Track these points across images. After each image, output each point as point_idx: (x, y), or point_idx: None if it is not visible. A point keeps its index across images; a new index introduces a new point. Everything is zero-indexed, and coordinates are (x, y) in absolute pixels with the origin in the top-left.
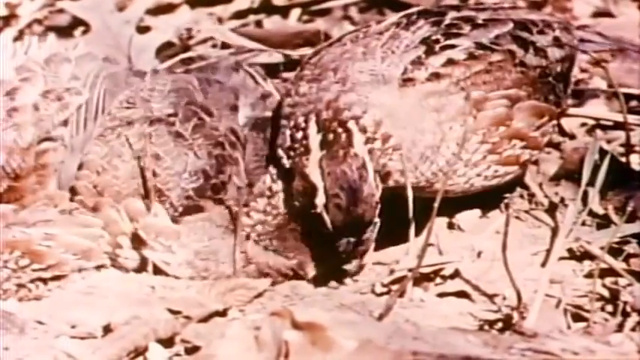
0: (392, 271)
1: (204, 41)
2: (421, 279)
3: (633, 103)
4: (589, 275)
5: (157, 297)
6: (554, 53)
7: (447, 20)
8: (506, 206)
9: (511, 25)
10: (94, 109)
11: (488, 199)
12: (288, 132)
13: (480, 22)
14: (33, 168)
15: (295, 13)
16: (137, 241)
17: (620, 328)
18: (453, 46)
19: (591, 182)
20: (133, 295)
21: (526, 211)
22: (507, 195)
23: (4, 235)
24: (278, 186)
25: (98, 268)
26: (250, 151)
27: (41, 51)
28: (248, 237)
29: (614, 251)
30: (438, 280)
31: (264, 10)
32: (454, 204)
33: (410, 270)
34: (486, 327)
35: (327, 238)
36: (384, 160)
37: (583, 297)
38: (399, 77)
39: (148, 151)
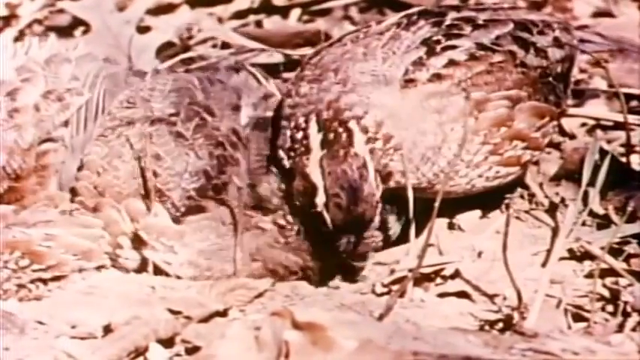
0: (392, 271)
1: (204, 41)
2: (422, 279)
3: (634, 103)
4: (589, 275)
5: (158, 297)
6: (555, 54)
7: (448, 21)
8: (507, 206)
9: (511, 25)
10: (94, 110)
11: (488, 199)
12: (288, 132)
13: (480, 22)
14: (33, 169)
15: (295, 13)
16: (138, 242)
17: (620, 328)
18: (454, 47)
19: (592, 182)
20: (134, 295)
21: (526, 212)
22: (508, 195)
23: (5, 236)
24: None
25: (98, 268)
26: (253, 151)
27: (41, 51)
28: (286, 241)
29: (615, 251)
30: (439, 280)
31: (264, 10)
32: (454, 204)
33: (410, 270)
34: (487, 327)
35: (327, 237)
36: (385, 160)
37: (583, 297)
38: (401, 78)
39: (149, 151)
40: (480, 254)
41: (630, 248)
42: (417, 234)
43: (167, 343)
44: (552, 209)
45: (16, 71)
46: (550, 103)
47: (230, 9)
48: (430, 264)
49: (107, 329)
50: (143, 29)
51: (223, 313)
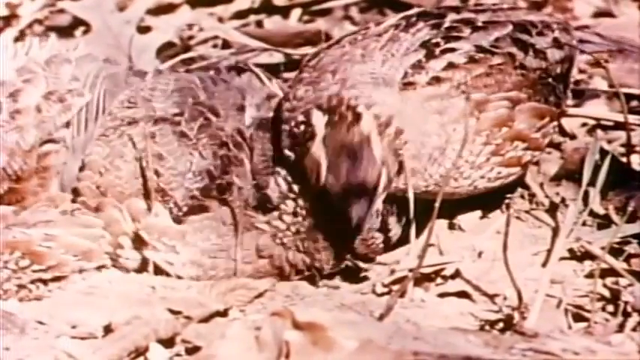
0: (393, 272)
1: (204, 41)
2: (422, 279)
3: (634, 103)
4: (590, 275)
5: (158, 297)
6: (554, 54)
7: (447, 23)
8: (507, 206)
9: (510, 27)
10: (94, 110)
11: (489, 199)
12: (289, 132)
13: (479, 24)
14: (35, 170)
15: (296, 13)
16: (138, 242)
17: (620, 328)
18: (453, 50)
19: (592, 182)
20: (134, 295)
21: (527, 212)
22: (508, 195)
23: (5, 236)
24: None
25: (99, 268)
26: (257, 152)
27: (42, 52)
28: (282, 242)
29: (615, 251)
30: (439, 280)
31: (264, 10)
32: (455, 205)
33: (411, 270)
34: (487, 327)
35: (338, 214)
36: (397, 147)
37: (584, 297)
38: (400, 81)
39: (150, 151)
40: (480, 254)
41: (630, 248)
42: (418, 234)
43: (167, 343)
44: (553, 209)
45: (17, 72)
46: (550, 103)
47: (230, 9)
48: (430, 264)
49: (107, 329)
50: (143, 29)
51: (224, 313)
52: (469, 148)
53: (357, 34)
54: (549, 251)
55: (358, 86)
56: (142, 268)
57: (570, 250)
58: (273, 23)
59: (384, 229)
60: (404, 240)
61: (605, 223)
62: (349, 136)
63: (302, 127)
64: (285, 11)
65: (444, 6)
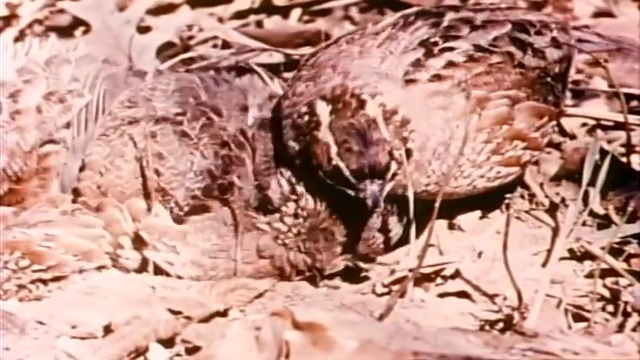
0: (393, 272)
1: (204, 41)
2: (422, 279)
3: (634, 103)
4: (590, 275)
5: (158, 297)
6: (553, 54)
7: (446, 22)
8: (507, 206)
9: (509, 26)
10: (94, 111)
11: (488, 199)
12: (292, 124)
13: (478, 23)
14: (35, 171)
15: (296, 13)
16: (139, 242)
17: (620, 328)
18: (451, 49)
19: (592, 182)
20: (134, 295)
21: (527, 212)
22: (508, 195)
23: (5, 236)
24: (301, 187)
25: (99, 268)
26: (259, 152)
27: (42, 52)
28: (283, 243)
29: (615, 251)
30: (439, 280)
31: (264, 10)
32: (454, 205)
33: (411, 270)
34: (487, 327)
35: (352, 196)
36: (404, 134)
37: (584, 297)
38: (401, 78)
39: (151, 150)
40: (480, 254)
41: (630, 248)
42: (418, 234)
43: (167, 343)
44: (553, 209)
45: (17, 72)
46: (549, 103)
47: (230, 9)
48: (430, 264)
49: (107, 329)
50: (143, 29)
51: (223, 313)
52: (471, 145)
53: (355, 33)
54: (549, 251)
55: (362, 77)
56: (142, 268)
57: (570, 250)
58: (273, 23)
59: (384, 229)
60: (404, 240)
61: (605, 223)
62: (355, 119)
63: (306, 118)
64: (285, 11)
65: (442, 5)
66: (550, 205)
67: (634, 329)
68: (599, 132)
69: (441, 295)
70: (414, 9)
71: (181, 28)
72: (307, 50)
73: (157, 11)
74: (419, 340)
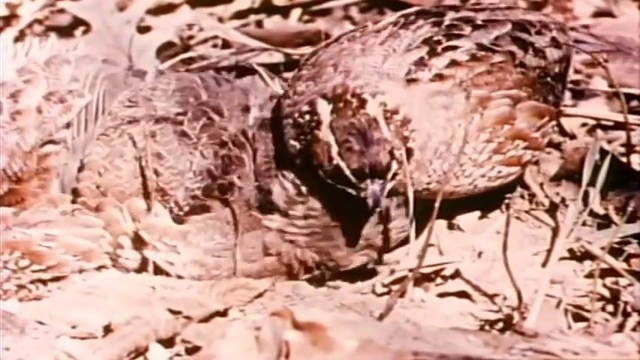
0: (392, 272)
1: (204, 41)
2: (422, 279)
3: (634, 103)
4: (590, 275)
5: (158, 297)
6: (553, 54)
7: (447, 21)
8: (507, 206)
9: (510, 26)
10: (94, 111)
11: (488, 199)
12: (292, 123)
13: (479, 22)
14: (35, 171)
15: (296, 13)
16: (138, 242)
17: (620, 328)
18: (454, 48)
19: (592, 182)
20: (134, 295)
21: (527, 212)
22: (508, 195)
23: (5, 236)
24: (306, 187)
25: (99, 268)
26: (261, 153)
27: (41, 52)
28: (291, 240)
29: (615, 251)
30: (439, 280)
31: (264, 10)
32: (454, 205)
33: (411, 270)
34: (487, 327)
35: (353, 195)
36: (405, 134)
37: (584, 297)
38: (404, 77)
39: (150, 150)
40: (480, 254)
41: (630, 248)
42: (418, 234)
43: (167, 343)
44: (553, 209)
45: (17, 72)
46: (549, 103)
47: (230, 9)
48: (430, 264)
49: (107, 329)
50: (143, 29)
51: (223, 313)
52: (473, 145)
53: (355, 31)
54: (549, 251)
55: (363, 76)
56: (142, 268)
57: (570, 250)
58: (273, 23)
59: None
60: (404, 240)
61: (605, 223)
62: (356, 119)
63: (307, 117)
64: (285, 11)
65: (442, 5)
66: (550, 205)
67: (634, 329)
68: (599, 132)
69: (441, 295)
70: (414, 8)
71: (181, 27)
72: (307, 50)
73: (157, 11)
74: (419, 340)
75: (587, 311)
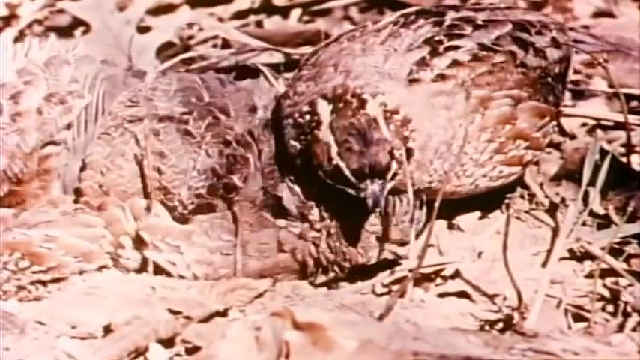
0: (392, 272)
1: (204, 41)
2: (422, 279)
3: (634, 103)
4: (589, 275)
5: (158, 297)
6: (553, 54)
7: (448, 21)
8: (507, 207)
9: (510, 26)
10: (94, 112)
11: (488, 199)
12: (293, 124)
13: (480, 22)
14: (36, 173)
15: (296, 13)
16: (139, 242)
17: (620, 328)
18: (456, 47)
19: (592, 182)
20: (134, 295)
21: (527, 212)
22: (508, 195)
23: (5, 237)
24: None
25: (100, 268)
26: (266, 154)
27: (41, 53)
28: (316, 245)
29: (615, 251)
30: (439, 280)
31: (264, 10)
32: (454, 205)
33: (410, 270)
34: (487, 327)
35: (353, 197)
36: (405, 135)
37: (584, 297)
38: (405, 77)
39: (151, 149)
40: (480, 254)
41: (630, 248)
42: (418, 234)
43: (167, 343)
44: (552, 209)
45: (17, 73)
46: (549, 103)
47: (230, 9)
48: (430, 264)
49: (107, 329)
50: (143, 29)
51: (223, 313)
52: (474, 145)
53: (355, 31)
54: (549, 251)
55: (364, 76)
56: (143, 268)
57: (570, 251)
58: (273, 23)
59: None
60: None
61: (604, 223)
62: (356, 119)
63: (307, 117)
64: (285, 11)
65: (442, 5)
66: (550, 205)
67: (634, 329)
68: (599, 132)
69: (441, 295)
70: (414, 8)
71: (181, 28)
72: (307, 50)
73: (157, 11)
74: (419, 340)
75: (587, 311)
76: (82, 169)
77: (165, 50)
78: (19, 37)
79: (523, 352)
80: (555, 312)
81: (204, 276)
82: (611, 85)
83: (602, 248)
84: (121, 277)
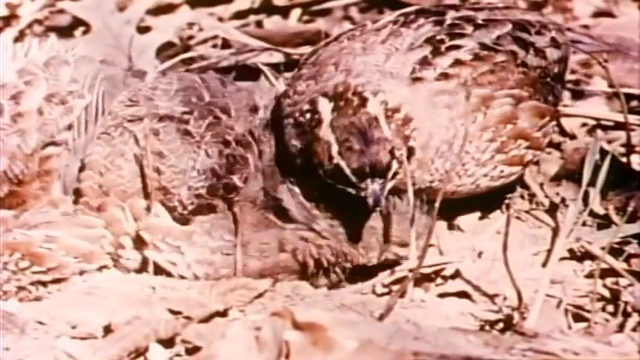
0: (393, 272)
1: (204, 41)
2: (422, 279)
3: (634, 103)
4: (590, 275)
5: (158, 297)
6: (552, 54)
7: (449, 20)
8: (507, 206)
9: (510, 25)
10: (94, 112)
11: (488, 199)
12: (293, 122)
13: (480, 22)
14: (37, 174)
15: (296, 13)
16: (140, 242)
17: (620, 328)
18: (458, 47)
19: (592, 182)
20: (134, 295)
21: (527, 212)
22: (508, 195)
23: (5, 237)
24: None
25: (100, 269)
26: (266, 155)
27: (41, 53)
28: (317, 247)
29: (615, 251)
30: (439, 280)
31: (264, 10)
32: (455, 205)
33: (411, 270)
34: (487, 327)
35: (353, 195)
36: (406, 133)
37: (584, 297)
38: (408, 76)
39: (151, 149)
40: (480, 254)
41: (631, 248)
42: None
43: (167, 343)
44: (553, 209)
45: (17, 73)
46: (549, 103)
47: (230, 9)
48: (430, 264)
49: (107, 329)
50: (143, 29)
51: (223, 314)
52: (476, 144)
53: (355, 30)
54: (549, 251)
55: (365, 75)
56: (143, 268)
57: (570, 251)
58: (273, 23)
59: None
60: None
61: (605, 223)
62: (357, 118)
63: (308, 116)
64: (285, 11)
65: (441, 4)
66: (550, 205)
67: (634, 329)
68: (599, 132)
69: (441, 295)
70: (413, 7)
71: (181, 28)
72: (308, 50)
73: (157, 11)
74: (419, 340)
75: (588, 311)
76: (81, 169)
77: (165, 50)
78: (19, 37)
79: (523, 353)
80: (555, 312)
81: (205, 276)
82: (611, 85)
83: (603, 248)
84: (121, 278)
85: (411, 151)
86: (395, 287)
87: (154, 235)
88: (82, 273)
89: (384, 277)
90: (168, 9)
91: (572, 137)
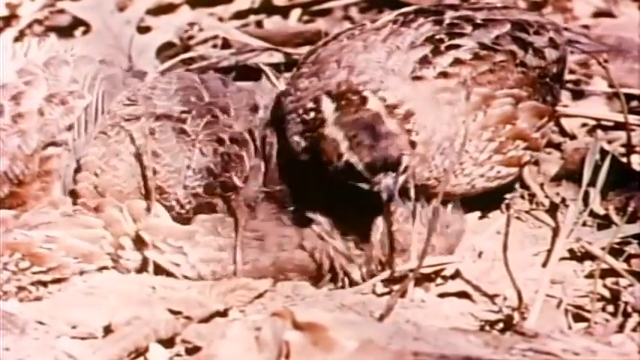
0: (393, 272)
1: (204, 41)
2: (422, 279)
3: (634, 103)
4: (590, 276)
5: (158, 297)
6: (551, 54)
7: (448, 19)
8: (507, 206)
9: (509, 25)
10: (93, 112)
11: (488, 199)
12: (298, 119)
13: (479, 22)
14: (37, 174)
15: (296, 13)
16: (140, 242)
17: (621, 328)
18: (457, 46)
19: (592, 182)
20: (134, 295)
21: (527, 212)
22: (508, 195)
23: (6, 238)
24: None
25: (100, 269)
26: (273, 160)
27: (41, 53)
28: (334, 249)
29: (615, 252)
30: (439, 280)
31: (264, 10)
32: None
33: (411, 270)
34: (487, 327)
35: (366, 190)
36: (407, 127)
37: (584, 297)
38: (409, 75)
39: (148, 148)
40: (480, 254)
41: (631, 248)
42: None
43: (167, 343)
44: (553, 209)
45: (17, 74)
46: (547, 103)
47: (230, 9)
48: (431, 264)
49: (107, 329)
50: (143, 29)
51: (224, 314)
52: (475, 143)
53: (354, 29)
54: (549, 251)
55: (367, 72)
56: (143, 268)
57: (570, 251)
58: (273, 23)
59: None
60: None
61: (605, 223)
62: (360, 115)
63: (312, 114)
64: (285, 11)
65: (440, 4)
66: (550, 206)
67: (634, 329)
68: (599, 132)
69: (441, 296)
70: (412, 7)
71: (181, 27)
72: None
73: (157, 11)
74: (419, 340)
75: (588, 311)
76: (77, 170)
77: (165, 50)
78: (19, 37)
79: (523, 353)
80: (555, 312)
81: (212, 274)
82: (611, 85)
83: (603, 248)
84: (121, 278)
85: (412, 145)
86: (395, 287)
87: (154, 236)
88: (82, 273)
89: (385, 276)
90: (169, 9)
91: (573, 137)
